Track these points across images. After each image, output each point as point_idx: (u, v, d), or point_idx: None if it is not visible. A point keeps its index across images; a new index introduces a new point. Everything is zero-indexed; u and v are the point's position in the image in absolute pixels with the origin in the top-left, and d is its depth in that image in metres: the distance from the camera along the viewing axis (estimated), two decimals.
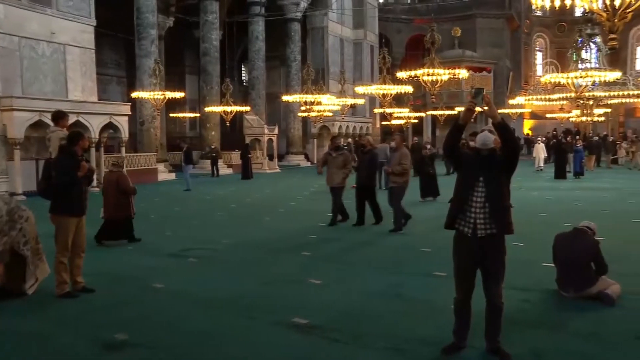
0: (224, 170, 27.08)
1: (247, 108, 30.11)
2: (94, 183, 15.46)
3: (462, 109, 4.48)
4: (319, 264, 7.77)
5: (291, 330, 5.07)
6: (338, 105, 29.01)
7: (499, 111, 26.66)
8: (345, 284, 6.63)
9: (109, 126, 19.70)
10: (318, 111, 27.96)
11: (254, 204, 15.59)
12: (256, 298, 6.10)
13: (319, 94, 26.27)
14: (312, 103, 26.22)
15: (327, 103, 27.85)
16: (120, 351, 4.65)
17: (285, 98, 29.29)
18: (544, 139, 32.91)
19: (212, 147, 26.77)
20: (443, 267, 6.19)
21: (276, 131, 30.68)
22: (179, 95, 24.59)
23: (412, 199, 13.27)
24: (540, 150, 27.40)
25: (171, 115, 35.11)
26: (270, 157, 30.09)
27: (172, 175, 24.69)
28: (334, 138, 13.44)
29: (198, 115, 31.92)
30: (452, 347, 4.45)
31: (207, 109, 27.95)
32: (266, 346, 4.72)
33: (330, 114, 30.77)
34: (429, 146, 17.56)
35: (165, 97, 23.08)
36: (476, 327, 4.46)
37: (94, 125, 18.71)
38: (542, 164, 26.91)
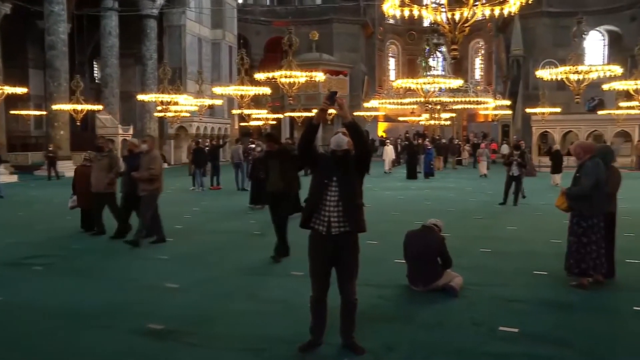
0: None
1: (100, 107, 28.67)
2: None
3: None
4: (176, 268, 7.59)
5: (147, 337, 4.93)
6: (196, 105, 28.51)
7: (355, 114, 27.61)
8: (202, 287, 6.54)
9: None
10: (175, 111, 27.28)
11: None
12: (110, 305, 5.84)
13: (175, 93, 25.61)
14: (168, 103, 25.53)
15: (185, 103, 27.25)
16: None
17: (140, 97, 28.19)
18: (392, 139, 34.22)
19: (50, 147, 24.74)
20: (300, 266, 6.30)
21: (131, 131, 29.44)
22: (20, 90, 22.67)
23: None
24: (389, 152, 27.74)
25: (12, 112, 32.52)
26: None
27: (15, 178, 22.88)
28: (100, 138, 11.92)
29: (44, 113, 29.83)
30: (309, 344, 4.54)
31: (54, 107, 26.01)
32: (122, 355, 4.54)
33: (188, 115, 30.17)
34: (259, 148, 14.63)
35: (4, 93, 21.31)
36: (333, 324, 4.59)
37: None
38: (390, 166, 27.31)
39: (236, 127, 40.22)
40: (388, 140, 31.21)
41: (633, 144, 30.83)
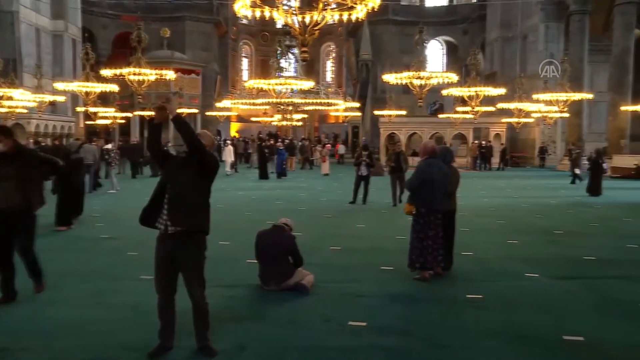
0: None
1: None
2: None
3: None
4: None
5: None
6: (34, 101, 26.52)
7: (207, 114, 27.33)
8: (41, 296, 6.09)
9: None
10: (9, 107, 25.16)
11: None
12: None
13: (9, 87, 23.65)
14: (1, 97, 23.48)
15: (21, 99, 25.24)
16: None
17: None
18: (233, 140, 33.97)
19: None
20: (150, 270, 6.08)
21: None
22: None
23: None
24: (228, 154, 26.18)
25: None
26: None
27: None
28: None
29: None
30: (159, 349, 4.42)
31: None
32: None
33: (26, 111, 27.95)
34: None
35: None
36: (187, 325, 4.51)
37: None
38: (229, 167, 26.02)
39: (81, 125, 37.93)
40: (228, 141, 30.83)
41: (468, 146, 33.44)
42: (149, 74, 19.40)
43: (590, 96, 28.36)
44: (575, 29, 31.61)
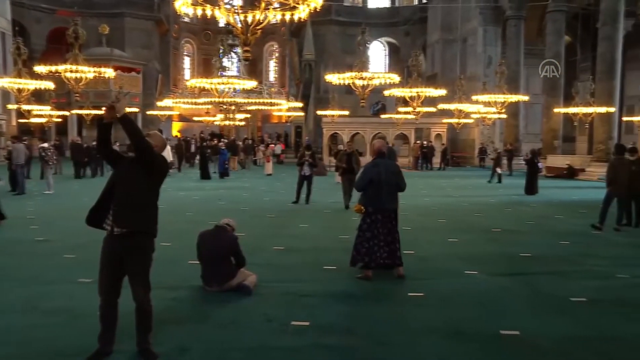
0: None
1: None
2: None
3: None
4: None
5: None
6: None
7: (149, 113, 26.85)
8: None
9: None
10: None
11: None
12: None
13: None
14: None
15: None
16: None
17: None
18: (178, 140, 33.27)
19: None
20: (88, 272, 5.94)
21: None
22: None
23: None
24: (167, 154, 26.40)
25: None
26: None
27: None
28: None
29: None
30: (97, 354, 4.31)
31: None
32: None
33: None
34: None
35: None
36: (128, 329, 4.41)
37: None
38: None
39: (14, 123, 36.48)
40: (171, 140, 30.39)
41: (410, 146, 33.99)
42: (87, 72, 18.81)
43: (526, 98, 29.28)
44: (512, 33, 32.72)
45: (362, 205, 6.93)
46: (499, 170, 22.83)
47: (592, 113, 26.19)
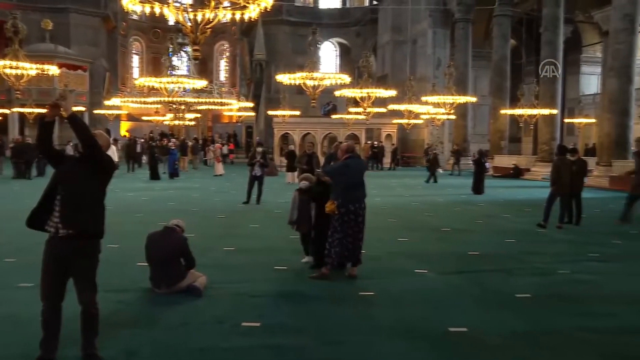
0: None
1: None
2: None
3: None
4: None
5: None
6: None
7: (96, 112, 26.22)
8: None
9: None
10: None
11: None
12: None
13: None
14: None
15: None
16: None
17: None
18: (129, 140, 32.58)
19: None
20: (29, 277, 5.74)
21: None
22: None
23: None
24: (112, 154, 25.75)
25: None
26: None
27: None
28: None
29: None
30: None
31: None
32: None
33: None
34: None
35: None
36: (72, 333, 4.29)
37: None
38: None
39: None
40: (118, 140, 29.80)
41: (361, 146, 34.21)
42: (29, 68, 18.24)
43: (474, 99, 29.95)
44: (460, 36, 33.45)
45: (335, 204, 6.87)
46: (440, 170, 23.17)
47: (536, 115, 26.98)
